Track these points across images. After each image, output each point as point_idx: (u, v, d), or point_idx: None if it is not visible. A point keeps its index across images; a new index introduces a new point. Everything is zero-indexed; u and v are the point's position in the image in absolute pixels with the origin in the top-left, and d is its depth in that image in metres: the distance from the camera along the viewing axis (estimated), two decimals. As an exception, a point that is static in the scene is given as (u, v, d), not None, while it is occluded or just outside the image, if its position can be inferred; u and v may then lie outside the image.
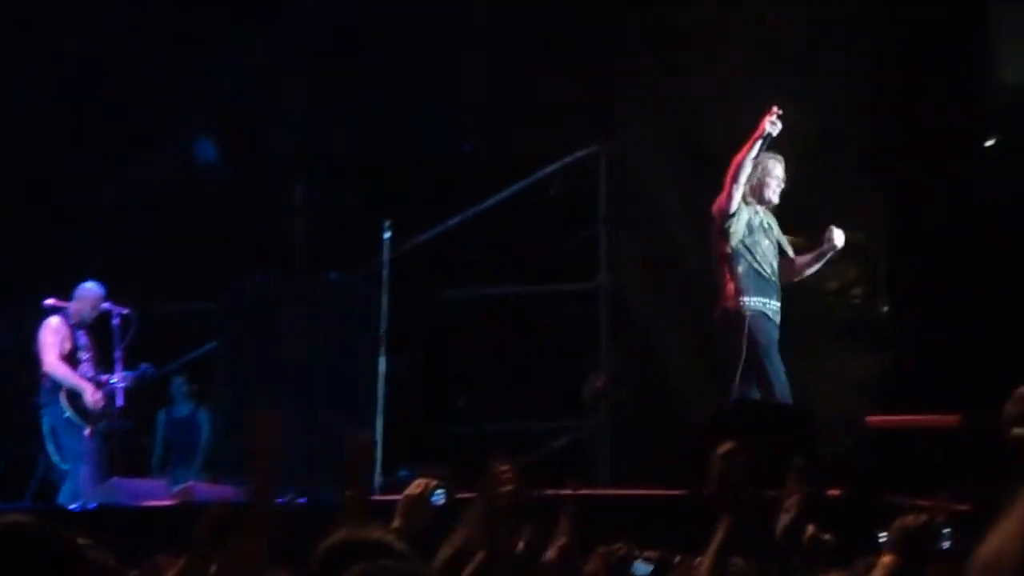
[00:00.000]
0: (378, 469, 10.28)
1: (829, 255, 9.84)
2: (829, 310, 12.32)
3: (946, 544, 4.65)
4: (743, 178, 9.57)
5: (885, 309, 11.61)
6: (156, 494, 10.76)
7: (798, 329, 12.00)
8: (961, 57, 11.89)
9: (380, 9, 12.82)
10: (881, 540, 4.72)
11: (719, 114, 12.04)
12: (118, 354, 11.34)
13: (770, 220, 9.80)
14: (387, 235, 10.94)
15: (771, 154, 9.72)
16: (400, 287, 11.06)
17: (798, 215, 11.81)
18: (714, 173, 12.04)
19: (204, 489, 10.81)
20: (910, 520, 4.71)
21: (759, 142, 9.53)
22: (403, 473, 10.62)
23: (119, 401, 11.38)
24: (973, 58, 11.99)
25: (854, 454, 8.87)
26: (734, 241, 9.52)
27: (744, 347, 9.31)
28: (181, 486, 11.18)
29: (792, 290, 12.52)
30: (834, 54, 11.87)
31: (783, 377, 9.34)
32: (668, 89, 12.20)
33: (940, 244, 11.55)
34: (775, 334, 9.49)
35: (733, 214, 9.55)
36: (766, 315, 9.46)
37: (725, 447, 4.78)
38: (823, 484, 7.85)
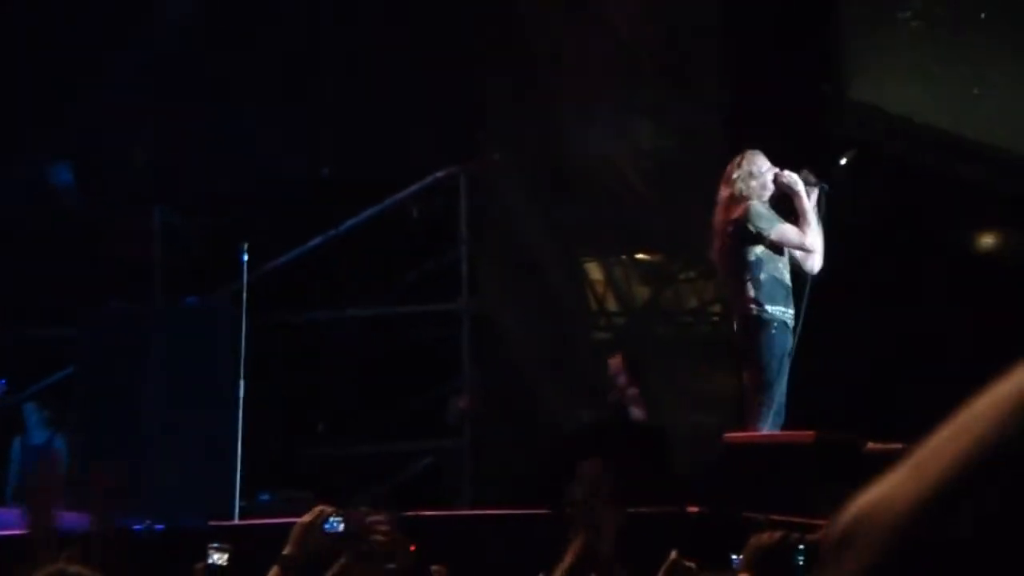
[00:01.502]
0: (238, 493, 10.20)
1: (810, 191, 9.33)
2: (688, 328, 12.46)
3: (800, 561, 4.70)
4: (810, 227, 9.16)
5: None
6: (11, 524, 10.56)
7: (657, 346, 12.14)
8: (811, 75, 12.08)
9: (236, 33, 12.75)
10: (735, 561, 4.77)
11: (579, 132, 12.15)
12: (-28, 382, 11.16)
13: None
14: (245, 258, 10.87)
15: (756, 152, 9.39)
16: (260, 311, 10.99)
17: (650, 232, 11.95)
18: (574, 191, 12.15)
19: (62, 517, 10.62)
20: (765, 538, 4.75)
21: (806, 191, 9.16)
22: (264, 497, 10.55)
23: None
24: (823, 76, 12.19)
25: (712, 470, 8.94)
26: (759, 248, 9.24)
27: (760, 355, 9.05)
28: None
29: (651, 308, 12.66)
30: (689, 73, 12.01)
31: (783, 397, 9.06)
32: (528, 109, 12.25)
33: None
34: (790, 344, 9.19)
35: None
36: (785, 323, 9.20)
37: (590, 465, 4.76)
38: (681, 501, 7.93)
